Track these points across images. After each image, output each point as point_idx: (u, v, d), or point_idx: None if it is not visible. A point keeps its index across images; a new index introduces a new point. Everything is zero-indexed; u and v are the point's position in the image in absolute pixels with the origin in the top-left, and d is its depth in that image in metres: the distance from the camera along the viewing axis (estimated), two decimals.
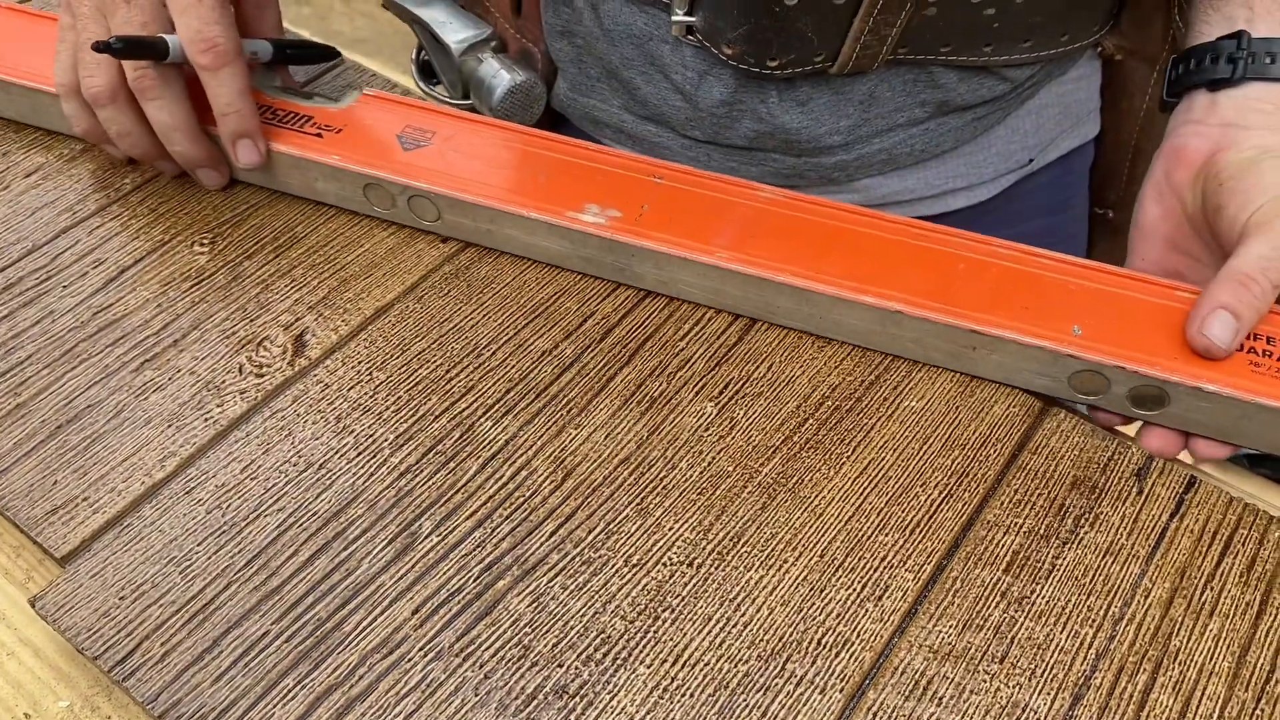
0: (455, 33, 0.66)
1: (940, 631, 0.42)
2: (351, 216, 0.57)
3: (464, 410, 0.49)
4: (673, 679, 0.41)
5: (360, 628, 0.42)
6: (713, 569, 0.44)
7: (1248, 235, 0.47)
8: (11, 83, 0.60)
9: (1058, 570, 0.44)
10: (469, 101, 0.67)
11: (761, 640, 0.42)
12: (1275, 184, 0.47)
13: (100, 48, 0.51)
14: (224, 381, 0.50)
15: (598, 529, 0.45)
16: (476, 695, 0.40)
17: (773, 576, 0.43)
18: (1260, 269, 0.46)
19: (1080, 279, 0.49)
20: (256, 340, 0.52)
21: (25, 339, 0.52)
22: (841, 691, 0.40)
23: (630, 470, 0.47)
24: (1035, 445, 0.48)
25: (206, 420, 0.48)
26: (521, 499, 0.46)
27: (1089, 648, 0.42)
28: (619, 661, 0.41)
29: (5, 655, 0.43)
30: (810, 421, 0.48)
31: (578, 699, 0.40)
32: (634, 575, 0.43)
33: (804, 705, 0.40)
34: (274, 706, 0.40)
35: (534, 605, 0.42)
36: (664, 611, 0.42)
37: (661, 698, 0.40)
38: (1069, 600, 0.43)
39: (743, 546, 0.44)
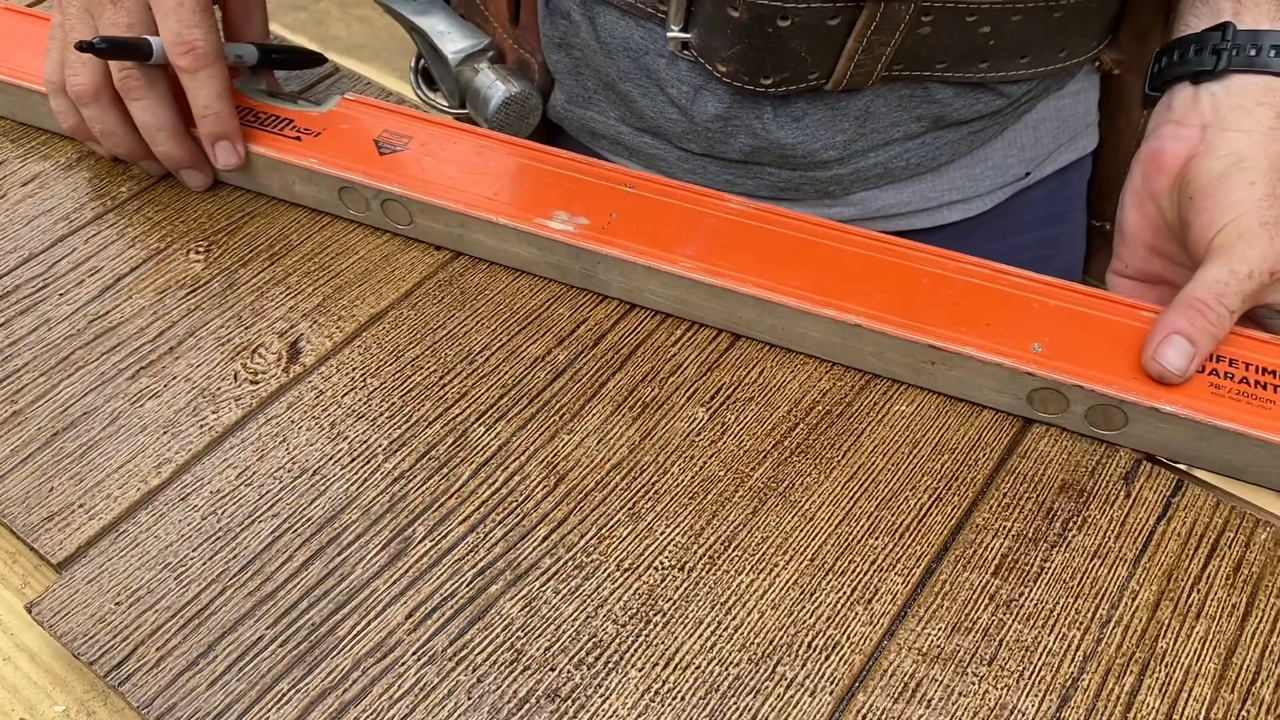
0: (453, 43, 0.66)
1: (929, 634, 0.42)
2: (345, 224, 0.58)
3: (457, 416, 0.49)
4: (664, 682, 0.41)
5: (354, 632, 0.42)
6: (704, 573, 0.44)
7: (1208, 258, 0.47)
8: (3, 81, 0.61)
9: (1046, 573, 0.44)
10: (465, 111, 0.67)
11: (752, 644, 0.42)
12: (1239, 203, 0.47)
13: (84, 47, 0.52)
14: (219, 388, 0.50)
15: (590, 533, 0.45)
16: (469, 699, 0.40)
17: (763, 580, 0.44)
18: (1215, 295, 0.46)
19: (1044, 296, 0.49)
20: (251, 347, 0.52)
21: (22, 346, 0.52)
22: (831, 694, 0.41)
23: (622, 475, 0.47)
24: (1024, 449, 0.48)
25: (202, 427, 0.49)
26: (514, 504, 0.46)
27: (1076, 650, 0.42)
28: (611, 665, 0.41)
29: (2, 661, 0.43)
30: (801, 426, 0.49)
31: (570, 702, 0.40)
32: (626, 579, 0.44)
33: (794, 708, 0.40)
34: (268, 711, 0.40)
35: (526, 609, 0.43)
36: (655, 615, 0.43)
37: (653, 701, 0.40)
38: (1057, 603, 0.43)
39: (734, 551, 0.44)
